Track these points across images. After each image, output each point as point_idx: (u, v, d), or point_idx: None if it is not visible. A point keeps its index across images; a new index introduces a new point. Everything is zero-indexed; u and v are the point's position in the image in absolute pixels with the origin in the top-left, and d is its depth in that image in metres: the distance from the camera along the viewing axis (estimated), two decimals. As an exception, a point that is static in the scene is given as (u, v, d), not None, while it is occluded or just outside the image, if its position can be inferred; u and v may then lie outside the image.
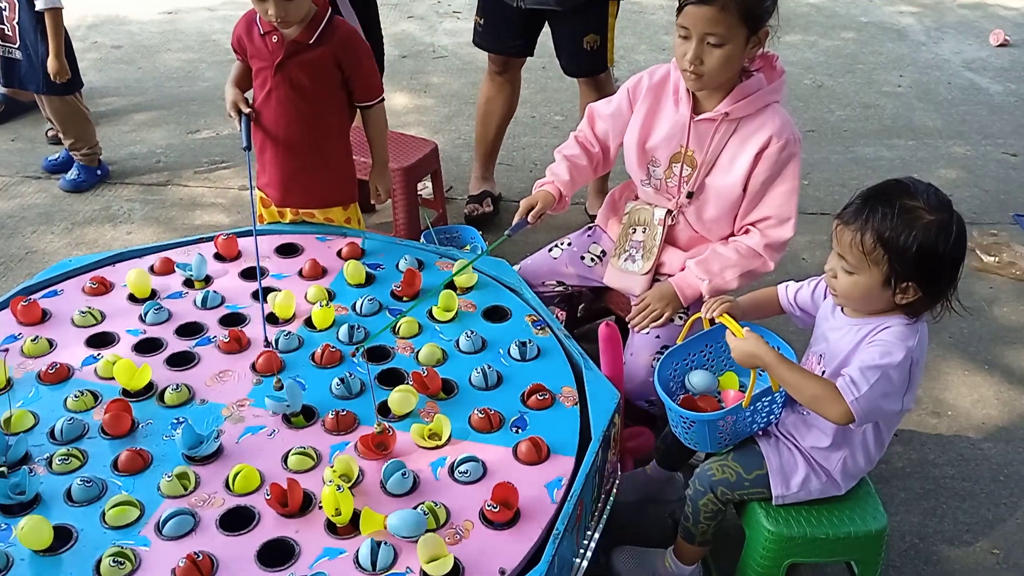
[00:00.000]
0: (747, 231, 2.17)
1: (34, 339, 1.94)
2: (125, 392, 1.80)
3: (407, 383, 1.83)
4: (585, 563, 1.73)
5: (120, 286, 2.15)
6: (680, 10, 1.97)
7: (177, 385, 1.81)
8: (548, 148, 4.07)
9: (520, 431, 1.75)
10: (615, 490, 1.96)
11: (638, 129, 2.20)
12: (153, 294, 2.13)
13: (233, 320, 2.05)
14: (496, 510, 1.52)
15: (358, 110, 2.46)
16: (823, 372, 1.73)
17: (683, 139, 2.14)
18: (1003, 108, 4.70)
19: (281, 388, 1.82)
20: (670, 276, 2.24)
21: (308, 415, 1.78)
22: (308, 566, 1.45)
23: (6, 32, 3.44)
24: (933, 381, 2.68)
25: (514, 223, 2.26)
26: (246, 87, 2.41)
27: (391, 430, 1.71)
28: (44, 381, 1.83)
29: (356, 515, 1.52)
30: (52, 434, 1.69)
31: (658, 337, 2.16)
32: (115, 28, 5.60)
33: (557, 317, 2.26)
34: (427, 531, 1.49)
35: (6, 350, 1.91)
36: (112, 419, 1.68)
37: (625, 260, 2.29)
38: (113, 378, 1.82)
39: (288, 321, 2.06)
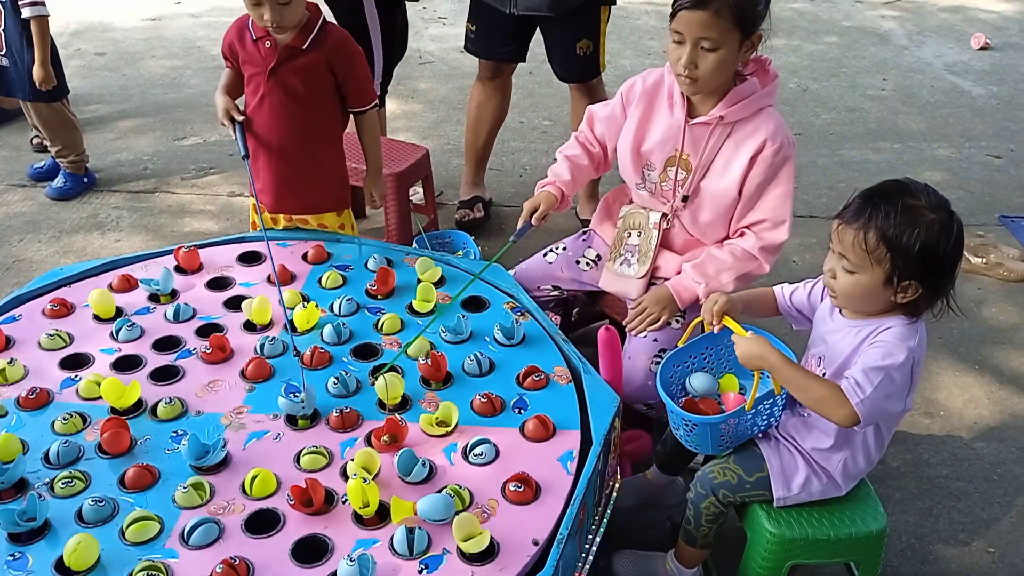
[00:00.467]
0: (742, 234, 2.18)
1: (10, 361, 1.88)
2: (114, 411, 1.76)
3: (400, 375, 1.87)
4: (587, 567, 1.73)
5: (82, 306, 2.10)
6: (673, 15, 1.98)
7: (170, 399, 1.79)
8: (537, 153, 4.10)
9: (522, 411, 1.82)
10: (615, 494, 1.96)
11: (632, 133, 2.21)
12: (119, 312, 2.08)
13: (209, 331, 2.02)
14: (520, 490, 1.59)
15: (351, 116, 2.45)
16: (823, 374, 1.73)
17: (678, 143, 2.15)
18: (985, 111, 4.75)
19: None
20: (666, 280, 2.25)
21: (311, 417, 1.79)
22: (347, 561, 1.46)
23: (-8, 39, 3.41)
24: (925, 382, 2.70)
25: (518, 227, 2.27)
26: (236, 95, 2.39)
27: (403, 421, 1.74)
28: (24, 407, 1.78)
29: (381, 506, 1.55)
30: (47, 459, 1.66)
31: (655, 340, 2.17)
32: (98, 35, 5.57)
33: (552, 321, 2.26)
34: (456, 513, 1.53)
35: None
36: (111, 437, 1.66)
37: (621, 264, 2.29)
38: (98, 398, 1.79)
39: (266, 327, 2.05)
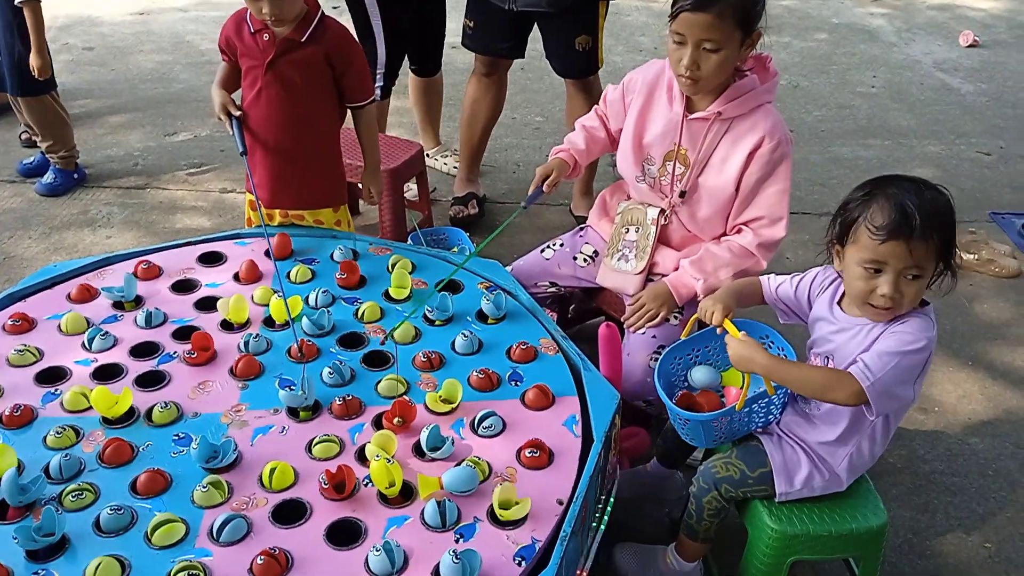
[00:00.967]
0: (739, 230, 2.18)
1: None
2: (106, 420, 1.73)
3: (395, 370, 1.90)
4: (589, 563, 1.74)
5: (43, 319, 2.03)
6: (674, 16, 1.97)
7: (165, 403, 1.77)
8: (530, 149, 4.09)
9: (519, 384, 1.88)
10: (615, 489, 1.96)
11: (633, 124, 2.22)
12: (86, 323, 2.02)
13: (185, 333, 1.99)
14: (536, 455, 1.66)
15: (348, 112, 2.44)
16: None
17: (676, 137, 2.15)
18: (975, 108, 4.78)
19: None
20: (663, 276, 2.25)
21: (313, 408, 1.80)
22: (381, 537, 1.49)
23: (-21, 32, 3.37)
24: (919, 377, 2.71)
25: (529, 193, 2.28)
26: (233, 89, 2.37)
27: (412, 402, 1.77)
28: (8, 426, 1.72)
29: (403, 484, 1.59)
30: (47, 474, 1.61)
31: (654, 337, 2.17)
32: (86, 29, 5.52)
33: (550, 317, 2.26)
34: (480, 482, 1.60)
35: None
36: (115, 451, 1.63)
37: (619, 260, 2.29)
38: (86, 409, 1.75)
39: (243, 325, 2.03)
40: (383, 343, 2.00)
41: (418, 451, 1.70)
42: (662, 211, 2.24)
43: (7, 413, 1.74)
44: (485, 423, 1.74)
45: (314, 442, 1.70)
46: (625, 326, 2.22)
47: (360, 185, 2.57)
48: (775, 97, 2.15)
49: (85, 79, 4.79)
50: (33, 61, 3.34)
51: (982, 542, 2.18)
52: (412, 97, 3.67)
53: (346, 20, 2.46)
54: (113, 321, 2.04)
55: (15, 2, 3.25)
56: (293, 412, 1.78)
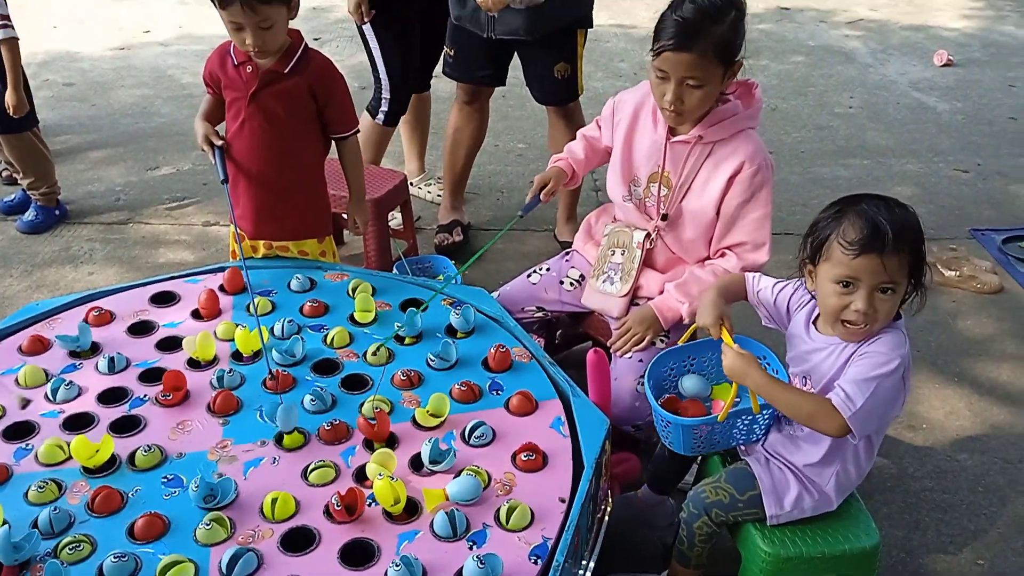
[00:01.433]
0: (723, 254, 2.19)
1: None
2: (87, 470, 1.69)
3: (375, 391, 1.91)
4: (582, 592, 1.72)
5: None
6: (657, 54, 1.98)
7: (148, 446, 1.73)
8: (513, 176, 4.11)
9: (500, 393, 1.93)
10: (607, 517, 1.95)
11: (621, 145, 2.25)
12: (45, 375, 1.96)
13: (152, 376, 1.96)
14: (532, 458, 1.72)
15: (332, 143, 2.44)
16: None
17: (660, 159, 2.17)
18: (951, 126, 4.84)
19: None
20: (648, 299, 2.25)
21: (297, 439, 1.80)
22: (395, 553, 1.52)
23: (-42, 70, 3.36)
24: (906, 395, 2.72)
25: (527, 202, 2.30)
26: (216, 121, 2.38)
27: (390, 405, 1.85)
28: None
29: (408, 500, 1.62)
30: (38, 530, 1.56)
31: (641, 361, 2.16)
32: (66, 65, 5.52)
33: (537, 343, 2.25)
34: (482, 490, 1.65)
35: None
36: (104, 500, 1.61)
37: (604, 281, 2.29)
38: (63, 461, 1.71)
39: (211, 362, 2.01)
40: (423, 310, 2.09)
41: (415, 466, 1.73)
42: (648, 234, 2.25)
43: None
44: (476, 433, 1.79)
45: (309, 469, 1.71)
46: (612, 350, 2.22)
47: (345, 216, 2.56)
48: (758, 122, 2.17)
49: (66, 115, 4.79)
50: (9, 99, 3.32)
51: (975, 559, 2.18)
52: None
53: (328, 51, 2.46)
54: (73, 370, 1.99)
55: (-8, 40, 3.25)
56: (281, 441, 1.78)
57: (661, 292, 2.23)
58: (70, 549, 1.53)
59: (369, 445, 1.77)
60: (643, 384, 2.13)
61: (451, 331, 2.13)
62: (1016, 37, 6.38)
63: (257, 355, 2.03)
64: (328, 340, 2.09)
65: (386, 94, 3.27)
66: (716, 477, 1.84)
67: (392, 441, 1.80)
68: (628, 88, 2.33)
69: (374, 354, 2.03)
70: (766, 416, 1.80)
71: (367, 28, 3.18)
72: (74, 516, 1.60)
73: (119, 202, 3.85)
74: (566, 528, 1.59)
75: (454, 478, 1.66)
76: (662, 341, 2.20)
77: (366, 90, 3.47)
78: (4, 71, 3.32)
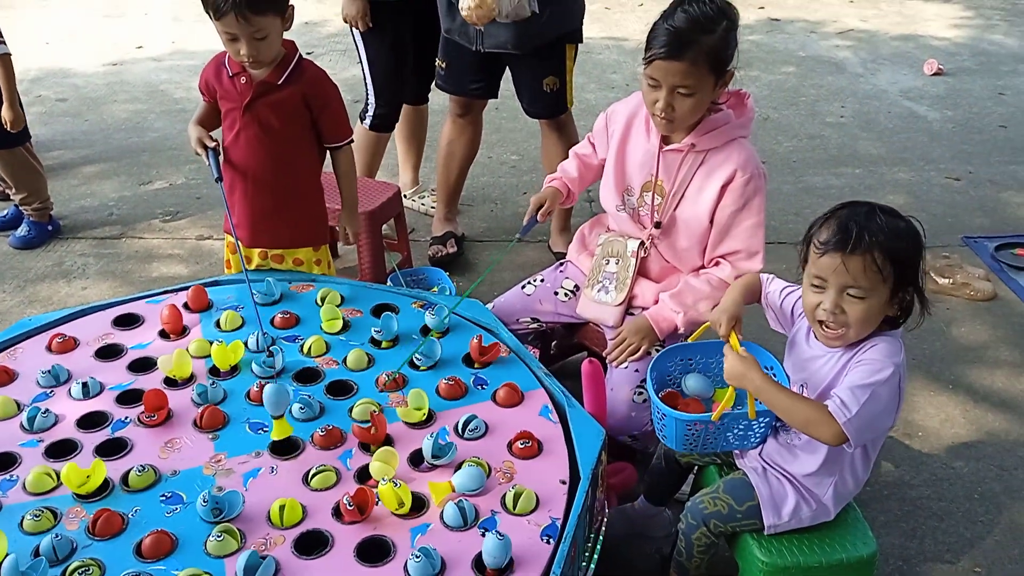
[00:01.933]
0: (717, 263, 2.20)
1: None
2: (79, 496, 1.66)
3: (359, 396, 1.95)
4: (580, 603, 1.72)
5: None
6: (649, 62, 1.99)
7: (142, 467, 1.71)
8: (507, 188, 4.11)
9: (485, 387, 1.97)
10: (604, 528, 1.94)
11: (615, 154, 2.25)
12: (18, 406, 1.90)
13: (129, 397, 1.93)
14: (528, 445, 1.77)
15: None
16: None
17: (653, 168, 2.17)
18: (942, 134, 4.86)
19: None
20: (643, 308, 2.25)
21: (293, 446, 1.81)
22: (410, 547, 1.55)
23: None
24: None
25: (524, 224, 2.31)
26: (210, 127, 2.37)
27: (380, 408, 1.88)
28: None
29: (413, 496, 1.65)
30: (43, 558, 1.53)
31: (636, 371, 2.16)
32: (59, 81, 5.51)
33: (532, 354, 2.25)
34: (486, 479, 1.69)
35: None
36: (106, 523, 1.59)
37: (599, 291, 2.30)
38: (52, 490, 1.68)
39: (188, 381, 1.99)
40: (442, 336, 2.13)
41: (414, 462, 1.76)
42: (642, 243, 2.25)
43: None
44: (470, 426, 1.83)
45: (311, 474, 1.72)
46: (607, 360, 2.22)
47: (337, 227, 2.56)
48: (750, 132, 2.18)
49: (59, 130, 4.78)
50: (4, 114, 3.32)
51: (972, 566, 2.18)
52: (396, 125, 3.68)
53: (321, 65, 2.46)
54: (46, 398, 1.95)
55: (-16, 56, 3.25)
56: (279, 450, 1.79)
57: (656, 302, 2.24)
58: (79, 574, 1.50)
59: (365, 448, 1.79)
60: (639, 395, 2.14)
61: (425, 331, 2.16)
62: (1005, 46, 6.43)
63: (235, 370, 2.02)
64: (305, 350, 2.09)
65: (372, 99, 3.31)
66: (714, 488, 1.84)
67: (388, 442, 1.81)
68: (620, 100, 2.34)
69: (387, 378, 2.00)
70: (762, 424, 1.80)
71: (358, 36, 3.22)
72: (76, 542, 1.57)
73: (112, 217, 3.85)
74: (563, 539, 1.59)
75: (455, 471, 1.69)
76: (656, 351, 2.20)
77: (359, 103, 3.48)
78: (-2, 87, 3.32)
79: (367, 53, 3.25)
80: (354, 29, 3.22)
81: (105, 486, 1.70)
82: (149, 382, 1.99)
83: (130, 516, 1.63)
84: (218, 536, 1.55)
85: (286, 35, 2.27)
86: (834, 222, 1.63)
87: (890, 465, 2.48)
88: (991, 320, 3.18)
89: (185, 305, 2.25)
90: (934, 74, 5.74)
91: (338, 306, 2.25)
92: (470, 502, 1.63)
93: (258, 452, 1.79)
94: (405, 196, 3.71)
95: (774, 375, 1.83)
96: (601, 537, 1.89)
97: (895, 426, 1.70)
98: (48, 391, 1.97)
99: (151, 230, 3.73)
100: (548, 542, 1.59)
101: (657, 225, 2.20)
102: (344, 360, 2.06)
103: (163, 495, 1.68)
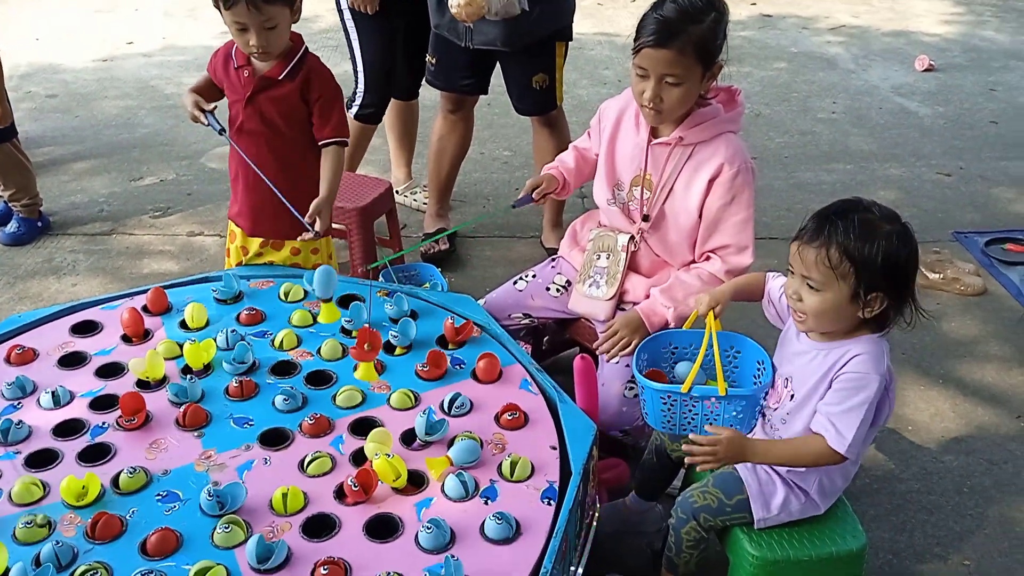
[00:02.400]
0: (708, 258, 2.20)
1: None
2: (70, 504, 1.63)
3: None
4: (571, 598, 1.72)
5: None
6: (636, 51, 2.00)
7: (133, 468, 1.69)
8: (499, 183, 4.11)
9: (463, 367, 2.01)
10: (595, 524, 1.94)
11: (605, 149, 2.26)
12: None
13: (103, 403, 1.90)
14: (515, 416, 1.83)
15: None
16: (791, 396, 1.75)
17: (642, 162, 2.18)
18: (933, 130, 4.87)
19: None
20: (634, 303, 2.26)
21: (282, 437, 1.82)
22: (416, 521, 1.60)
23: (-62, 82, 3.34)
24: (891, 397, 2.73)
25: (519, 197, 2.32)
26: (206, 99, 2.35)
27: (363, 395, 1.92)
28: None
29: (411, 473, 1.69)
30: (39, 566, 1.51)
31: (627, 366, 2.16)
32: (49, 77, 5.48)
33: (524, 350, 2.25)
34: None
35: None
36: (106, 526, 1.57)
37: (590, 286, 2.30)
38: (40, 499, 1.65)
39: (161, 383, 1.96)
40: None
41: (406, 441, 1.80)
42: (632, 238, 2.25)
43: None
44: (456, 403, 1.87)
45: (306, 462, 1.73)
46: (598, 353, 2.22)
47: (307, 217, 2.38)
48: (740, 127, 2.18)
49: (49, 126, 4.75)
50: (-7, 110, 3.31)
51: (961, 560, 2.19)
52: (387, 121, 3.68)
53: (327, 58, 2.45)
54: (14, 410, 1.89)
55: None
56: (268, 440, 1.79)
57: (647, 296, 2.24)
58: None
59: (357, 429, 1.81)
60: (630, 389, 2.14)
61: (392, 320, 2.17)
62: (996, 42, 6.44)
63: (208, 368, 2.00)
64: (276, 344, 2.09)
65: (360, 89, 3.31)
66: (704, 482, 1.84)
67: (377, 424, 1.86)
68: (612, 96, 2.34)
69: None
70: (735, 410, 1.80)
71: (350, 25, 3.22)
72: (77, 547, 1.55)
73: (102, 213, 3.83)
74: (554, 534, 1.59)
75: (448, 447, 1.74)
76: None
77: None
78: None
79: (360, 43, 3.24)
80: (347, 20, 3.21)
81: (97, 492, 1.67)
82: (120, 387, 1.95)
83: (128, 518, 1.62)
84: (225, 527, 1.55)
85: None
86: (817, 213, 1.66)
87: (880, 459, 2.49)
88: (981, 315, 3.19)
89: (144, 308, 2.21)
90: (925, 70, 5.76)
91: (302, 300, 2.25)
92: (469, 474, 1.68)
93: (248, 446, 1.79)
94: (397, 192, 3.71)
95: (763, 369, 1.84)
96: (592, 532, 1.90)
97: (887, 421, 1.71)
98: (15, 403, 1.91)
99: (142, 226, 3.72)
100: (549, 504, 1.65)
101: (645, 219, 2.21)
102: (318, 351, 2.06)
103: (158, 494, 1.67)
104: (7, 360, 2.04)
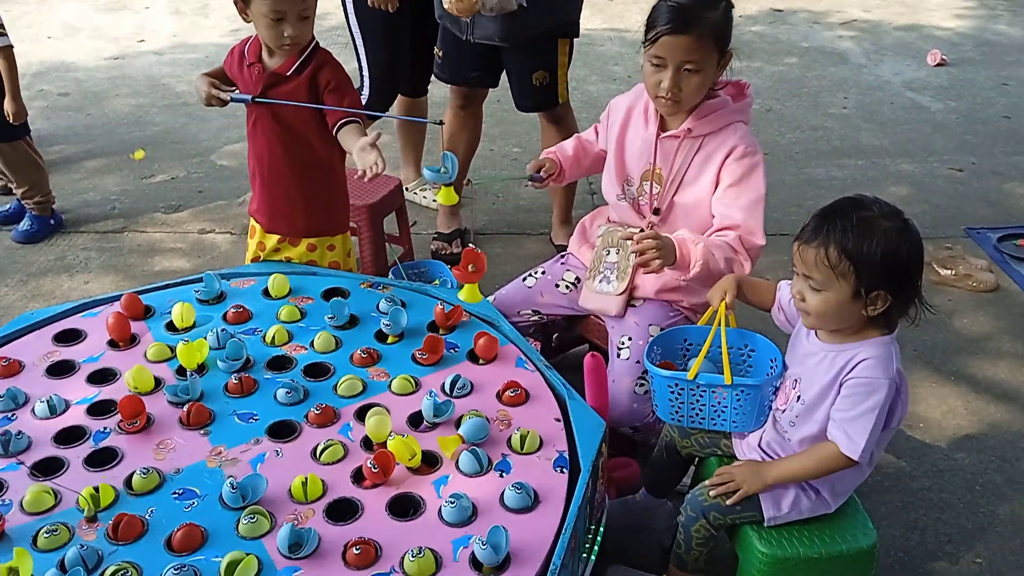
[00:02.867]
0: (722, 232, 2.15)
1: None
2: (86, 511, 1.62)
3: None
4: (580, 593, 1.73)
5: None
6: (654, 41, 2.00)
7: (146, 469, 1.69)
8: (509, 180, 4.10)
9: (457, 350, 2.04)
10: (604, 518, 1.94)
11: (614, 144, 2.26)
12: None
13: (100, 408, 1.87)
14: (517, 393, 1.87)
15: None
16: (798, 397, 1.75)
17: (651, 156, 2.18)
18: (945, 125, 4.85)
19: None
20: (644, 299, 2.26)
21: (290, 429, 1.82)
22: (437, 498, 1.63)
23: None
24: (903, 394, 2.72)
25: (531, 175, 2.30)
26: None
27: (363, 384, 1.94)
28: None
29: (424, 453, 1.72)
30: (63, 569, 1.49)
31: (638, 363, 2.16)
32: (61, 75, 5.52)
33: (533, 347, 2.25)
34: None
35: None
36: (127, 526, 1.56)
37: (600, 282, 2.30)
38: (52, 507, 1.62)
39: (154, 389, 1.93)
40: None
41: (413, 423, 1.82)
42: (642, 231, 2.24)
43: None
44: (458, 384, 1.90)
45: (319, 450, 1.75)
46: (632, 250, 2.06)
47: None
48: (749, 119, 2.17)
49: (61, 125, 4.78)
50: (8, 107, 3.33)
51: (973, 557, 2.18)
52: (396, 121, 3.68)
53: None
54: (9, 421, 1.85)
55: (-12, 49, 3.25)
56: (277, 433, 1.81)
57: (656, 292, 2.23)
58: None
59: (364, 416, 1.81)
60: (641, 386, 2.14)
61: (382, 311, 2.17)
62: (1009, 36, 6.40)
63: (202, 368, 1.99)
64: (268, 340, 2.09)
65: (365, 89, 3.31)
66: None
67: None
68: (624, 92, 2.34)
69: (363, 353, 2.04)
70: (741, 402, 1.80)
71: (354, 24, 3.21)
72: (101, 550, 1.54)
73: (114, 211, 3.85)
74: (563, 530, 1.59)
75: (456, 427, 1.78)
76: (660, 329, 2.15)
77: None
78: (0, 79, 3.32)
79: (364, 42, 3.24)
80: (351, 19, 3.21)
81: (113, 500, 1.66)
82: (115, 392, 1.92)
83: (147, 517, 1.61)
84: (250, 518, 1.56)
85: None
86: (818, 212, 1.66)
87: (891, 456, 2.48)
88: (993, 311, 3.17)
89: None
90: (937, 65, 5.72)
91: (287, 295, 2.26)
92: (481, 449, 1.71)
93: (257, 439, 1.80)
94: (407, 189, 3.71)
95: (775, 366, 1.84)
96: (602, 528, 1.90)
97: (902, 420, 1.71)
98: (9, 415, 1.87)
99: (153, 224, 3.74)
100: (562, 472, 1.70)
101: (656, 212, 2.20)
102: (312, 344, 2.07)
103: (174, 492, 1.67)
104: None
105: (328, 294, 2.26)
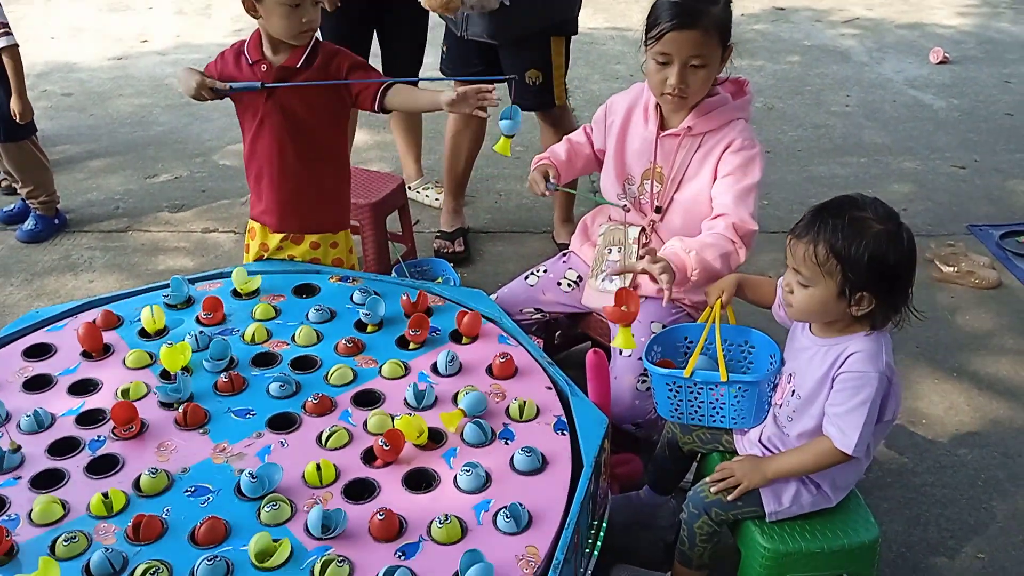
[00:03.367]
0: (716, 220, 2.15)
1: None
2: (97, 515, 1.61)
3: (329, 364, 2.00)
4: (583, 590, 1.74)
5: None
6: (658, 38, 2.00)
7: (154, 470, 1.68)
8: (511, 179, 4.12)
9: (439, 333, 2.10)
10: (607, 514, 1.95)
11: (614, 144, 2.26)
12: None
13: (89, 418, 1.85)
14: (505, 360, 1.94)
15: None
16: (793, 391, 1.76)
17: (651, 155, 2.18)
18: (947, 123, 4.85)
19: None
20: (647, 296, 2.25)
21: (290, 420, 1.84)
22: (449, 470, 1.69)
23: (-44, 80, 3.37)
24: (906, 391, 2.71)
25: (549, 184, 2.28)
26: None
27: (353, 373, 1.96)
28: None
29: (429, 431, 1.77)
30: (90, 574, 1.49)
31: (639, 359, 2.17)
32: (65, 76, 5.54)
33: (536, 344, 2.26)
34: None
35: None
36: (148, 527, 1.56)
37: (602, 280, 2.30)
38: (62, 518, 1.60)
39: (143, 397, 1.90)
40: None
41: (413, 403, 1.87)
42: (643, 230, 2.26)
43: None
44: (449, 363, 1.96)
45: (324, 437, 1.78)
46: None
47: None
48: (749, 116, 2.18)
49: (64, 125, 4.80)
50: (15, 106, 3.34)
51: (975, 553, 2.18)
52: (391, 119, 3.67)
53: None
54: None
55: (-7, 48, 3.26)
56: (276, 425, 1.82)
57: (658, 289, 2.23)
58: (151, 575, 1.49)
59: (360, 401, 1.87)
60: (643, 383, 2.15)
61: (357, 302, 2.21)
62: (1011, 34, 6.40)
63: (187, 370, 1.97)
64: (248, 339, 2.09)
65: None
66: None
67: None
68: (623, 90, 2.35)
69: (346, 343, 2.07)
70: (738, 399, 1.81)
71: None
72: (126, 552, 1.53)
73: (118, 210, 3.87)
74: (566, 526, 1.60)
75: (454, 402, 1.85)
76: (663, 327, 2.17)
77: (363, 95, 3.47)
78: (4, 79, 3.33)
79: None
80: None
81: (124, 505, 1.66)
82: (99, 401, 1.90)
83: (165, 516, 1.61)
84: (272, 505, 1.58)
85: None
86: (813, 208, 1.67)
87: (894, 452, 2.49)
88: (996, 308, 3.18)
89: (94, 322, 2.14)
90: (940, 62, 5.72)
91: (256, 294, 2.27)
92: (486, 423, 1.77)
93: (259, 433, 1.81)
94: (409, 188, 3.72)
95: (774, 362, 1.84)
96: (604, 524, 1.91)
97: (899, 412, 1.71)
98: None
99: (157, 223, 3.75)
100: (563, 434, 1.78)
101: (657, 210, 2.21)
102: (293, 338, 2.09)
103: (186, 490, 1.67)
104: None
105: (299, 290, 2.28)
